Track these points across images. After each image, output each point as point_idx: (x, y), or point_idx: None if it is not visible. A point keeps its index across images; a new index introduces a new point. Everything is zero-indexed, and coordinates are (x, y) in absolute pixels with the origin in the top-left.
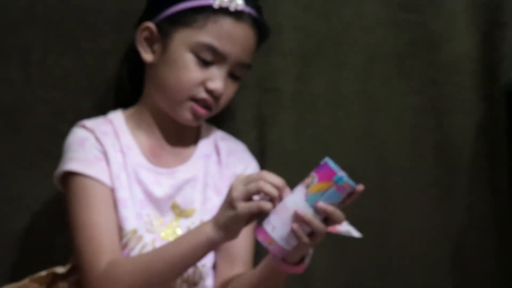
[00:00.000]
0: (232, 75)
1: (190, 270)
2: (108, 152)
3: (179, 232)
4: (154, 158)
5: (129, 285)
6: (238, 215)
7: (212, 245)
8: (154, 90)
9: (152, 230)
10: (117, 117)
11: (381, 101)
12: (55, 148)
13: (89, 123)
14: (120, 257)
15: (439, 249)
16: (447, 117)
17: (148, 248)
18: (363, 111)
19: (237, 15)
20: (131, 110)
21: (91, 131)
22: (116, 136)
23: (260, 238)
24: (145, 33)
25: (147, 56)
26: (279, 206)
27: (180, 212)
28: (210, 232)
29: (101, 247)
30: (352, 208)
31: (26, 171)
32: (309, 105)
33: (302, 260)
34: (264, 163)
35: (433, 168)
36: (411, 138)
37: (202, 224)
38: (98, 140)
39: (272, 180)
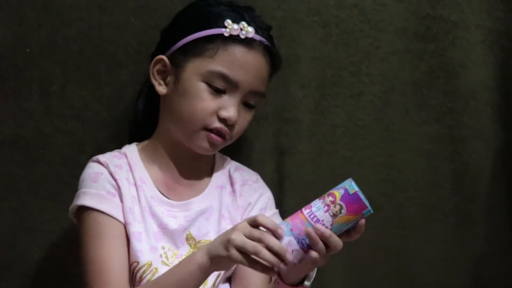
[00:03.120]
0: (246, 104)
1: None
2: (121, 186)
3: None
4: (168, 191)
5: None
6: (230, 259)
7: (204, 272)
8: (169, 122)
9: (167, 262)
10: (131, 150)
11: (398, 130)
12: (74, 179)
13: (103, 157)
14: None
15: (457, 279)
16: (465, 146)
17: None
18: (380, 141)
19: (248, 42)
20: (145, 143)
21: (104, 165)
22: (130, 169)
23: None
24: (158, 66)
25: (161, 88)
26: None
27: (195, 243)
28: (200, 260)
29: (108, 282)
30: (370, 237)
31: (45, 202)
32: (327, 135)
33: (302, 282)
34: (282, 194)
35: (451, 197)
36: (429, 167)
37: (195, 252)
38: (111, 174)
39: (273, 246)
